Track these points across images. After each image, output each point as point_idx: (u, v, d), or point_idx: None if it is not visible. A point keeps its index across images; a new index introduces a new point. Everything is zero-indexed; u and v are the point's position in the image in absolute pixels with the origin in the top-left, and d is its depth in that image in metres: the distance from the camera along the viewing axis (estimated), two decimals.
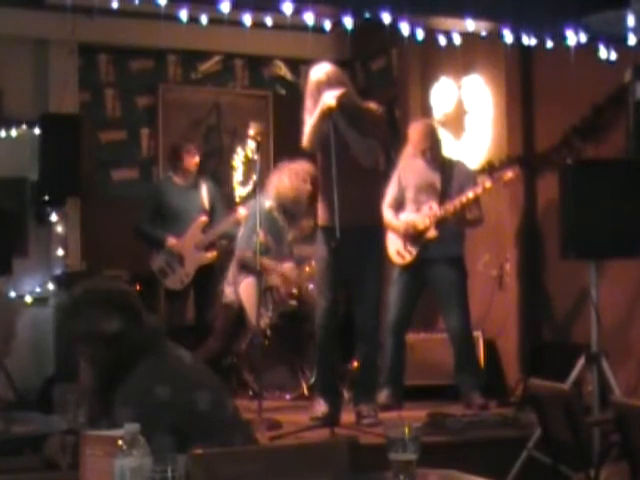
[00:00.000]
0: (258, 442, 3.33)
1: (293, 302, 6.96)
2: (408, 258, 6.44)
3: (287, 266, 6.93)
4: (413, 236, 6.40)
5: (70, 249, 7.94)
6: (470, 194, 6.25)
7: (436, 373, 6.75)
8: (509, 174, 6.35)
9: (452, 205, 6.29)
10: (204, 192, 7.36)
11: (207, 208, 7.32)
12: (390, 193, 6.55)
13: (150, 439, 2.45)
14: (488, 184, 6.29)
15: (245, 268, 6.82)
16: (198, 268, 7.21)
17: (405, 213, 6.49)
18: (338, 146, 5.46)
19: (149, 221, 7.27)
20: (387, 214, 6.45)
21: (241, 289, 6.87)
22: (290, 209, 6.87)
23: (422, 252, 6.38)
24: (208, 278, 7.23)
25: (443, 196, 6.37)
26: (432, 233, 6.35)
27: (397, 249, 6.46)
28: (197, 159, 7.40)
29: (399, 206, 6.53)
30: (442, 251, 6.36)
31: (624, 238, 5.25)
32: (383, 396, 6.32)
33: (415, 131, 6.56)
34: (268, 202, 6.76)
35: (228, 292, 6.96)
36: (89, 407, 3.19)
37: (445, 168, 6.48)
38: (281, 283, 6.90)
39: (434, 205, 6.36)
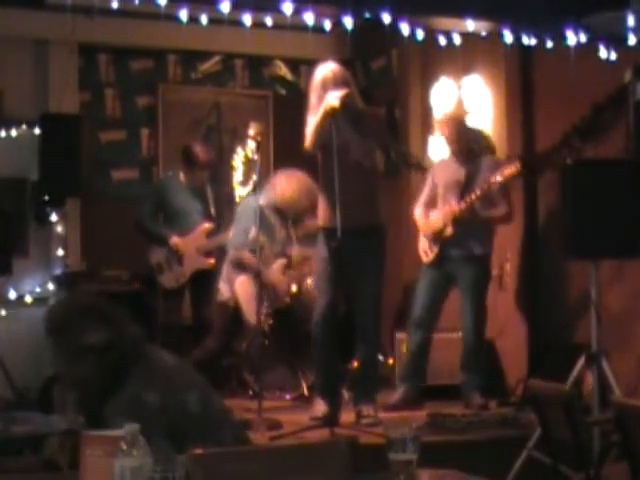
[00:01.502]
0: (248, 437, 3.32)
1: (287, 299, 6.95)
2: (431, 256, 6.48)
3: (276, 266, 6.92)
4: (433, 235, 6.44)
5: (70, 249, 7.94)
6: (478, 191, 6.26)
7: (436, 373, 6.75)
8: (511, 169, 6.32)
9: (464, 202, 6.30)
10: (209, 195, 7.32)
11: (212, 212, 7.29)
12: (424, 192, 6.62)
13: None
14: (493, 180, 6.29)
15: (239, 266, 6.83)
16: (195, 271, 7.18)
17: (434, 212, 6.51)
18: (339, 146, 5.47)
19: (150, 217, 7.24)
20: (417, 213, 6.54)
21: (236, 287, 6.87)
22: (288, 214, 6.86)
23: (444, 250, 6.40)
24: (205, 280, 7.19)
25: (464, 192, 6.36)
26: (448, 231, 6.36)
27: (423, 248, 6.53)
28: (212, 155, 7.36)
29: (433, 204, 6.55)
30: (463, 249, 6.37)
31: (624, 238, 5.25)
32: (395, 396, 6.32)
33: (440, 125, 6.58)
34: (260, 200, 6.75)
35: (223, 290, 6.96)
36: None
37: (472, 162, 6.47)
38: (275, 281, 6.90)
39: (453, 202, 6.37)
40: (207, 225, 7.20)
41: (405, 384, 6.43)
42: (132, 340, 3.05)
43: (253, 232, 6.60)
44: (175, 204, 7.22)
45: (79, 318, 3.02)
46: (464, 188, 6.37)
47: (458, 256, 6.39)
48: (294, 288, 6.98)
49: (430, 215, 6.52)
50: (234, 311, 6.89)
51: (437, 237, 6.43)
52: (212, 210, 7.30)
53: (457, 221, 6.33)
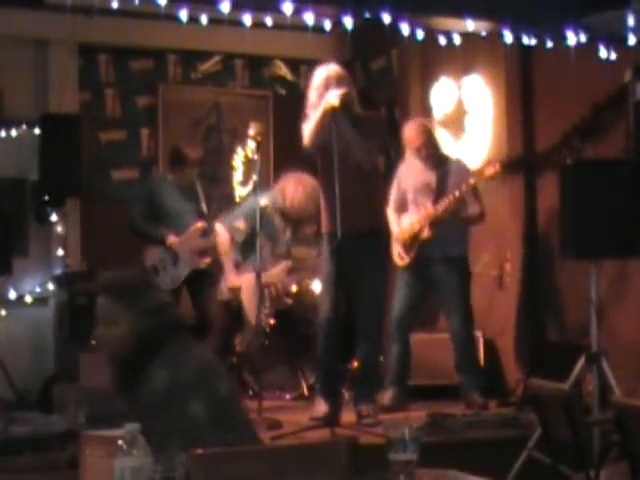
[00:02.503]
0: (262, 441, 3.33)
1: (289, 300, 6.95)
2: (406, 260, 6.47)
3: (279, 267, 6.93)
4: (410, 240, 6.43)
5: (70, 249, 7.94)
6: (457, 192, 6.27)
7: (436, 373, 6.75)
8: (490, 169, 6.32)
9: (443, 204, 6.31)
10: (200, 193, 7.25)
11: (204, 210, 7.23)
12: (392, 196, 6.58)
13: (180, 406, 2.79)
14: (471, 181, 6.31)
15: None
16: (191, 271, 7.13)
17: (406, 216, 6.50)
18: (339, 147, 5.46)
19: (142, 218, 7.16)
20: (391, 217, 6.50)
21: (242, 286, 6.86)
22: (293, 218, 6.87)
23: (421, 252, 6.40)
24: (202, 280, 7.14)
25: (438, 195, 6.38)
26: (425, 234, 6.37)
27: (398, 251, 6.50)
28: (200, 152, 7.33)
29: (402, 208, 6.54)
30: (443, 251, 6.38)
31: (624, 238, 5.25)
32: (387, 397, 6.32)
33: (408, 130, 6.58)
34: (264, 200, 6.74)
35: (225, 289, 6.94)
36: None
37: (441, 166, 6.48)
38: (277, 282, 6.90)
39: (428, 205, 6.38)
40: (200, 224, 7.12)
41: (395, 388, 6.42)
42: (176, 315, 3.25)
43: (240, 224, 6.60)
44: (167, 205, 7.13)
45: (140, 282, 3.23)
46: (437, 191, 6.37)
47: (436, 259, 6.38)
48: (294, 289, 6.99)
49: (402, 219, 6.51)
50: (236, 310, 6.88)
51: (413, 241, 6.42)
52: (204, 208, 7.24)
53: (434, 223, 6.33)
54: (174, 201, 7.13)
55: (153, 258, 7.10)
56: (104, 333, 3.14)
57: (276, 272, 6.93)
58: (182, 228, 7.09)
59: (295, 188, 6.75)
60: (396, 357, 6.48)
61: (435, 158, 6.51)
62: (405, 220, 6.50)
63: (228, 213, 7.00)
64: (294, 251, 7.04)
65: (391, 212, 6.53)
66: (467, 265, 6.51)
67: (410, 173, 6.56)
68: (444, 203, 6.31)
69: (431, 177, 6.46)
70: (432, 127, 6.79)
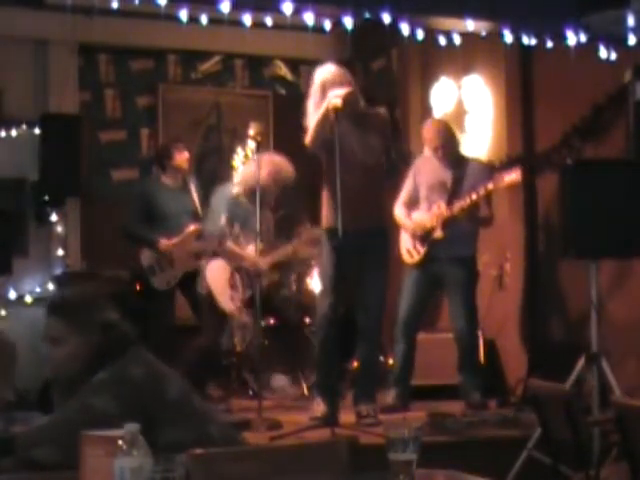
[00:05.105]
0: (239, 438, 3.32)
1: (263, 281, 6.73)
2: (416, 257, 6.42)
3: (251, 249, 6.77)
4: (421, 236, 6.40)
5: (70, 249, 7.94)
6: (473, 195, 6.21)
7: (436, 373, 6.75)
8: (511, 176, 6.20)
9: (458, 205, 6.26)
10: (194, 193, 7.19)
11: (198, 210, 7.14)
12: (404, 191, 6.53)
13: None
14: (490, 186, 6.19)
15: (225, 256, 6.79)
16: (185, 273, 7.06)
17: (417, 212, 6.46)
18: (343, 147, 5.46)
19: (137, 221, 7.07)
20: (399, 212, 6.47)
21: (207, 276, 6.77)
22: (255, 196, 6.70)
23: (431, 251, 6.35)
24: (195, 281, 7.10)
25: (452, 195, 6.31)
26: (438, 233, 6.31)
27: (407, 248, 6.46)
28: (187, 155, 7.21)
29: (413, 204, 6.50)
30: (451, 251, 6.32)
31: (624, 238, 5.26)
32: (389, 397, 6.31)
33: (427, 129, 6.54)
34: (235, 188, 6.68)
35: (204, 284, 6.85)
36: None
37: (458, 166, 6.44)
38: (249, 265, 6.73)
39: (442, 205, 6.33)
40: (194, 227, 7.03)
41: (398, 388, 6.41)
42: (125, 332, 3.16)
43: (222, 219, 6.56)
44: (161, 206, 7.03)
45: (88, 301, 3.16)
46: (452, 192, 6.33)
47: (446, 258, 6.34)
48: (294, 287, 6.98)
49: (413, 215, 6.47)
50: (214, 302, 6.75)
51: (425, 238, 6.39)
52: (199, 209, 7.17)
53: (447, 224, 6.29)
54: (169, 202, 7.05)
55: (150, 258, 7.05)
56: (52, 352, 3.12)
57: (246, 254, 6.77)
58: (177, 229, 7.01)
59: (258, 167, 6.43)
60: (401, 357, 6.45)
61: (453, 157, 6.42)
62: (416, 216, 6.44)
63: (207, 219, 6.89)
64: (298, 251, 6.98)
65: (400, 206, 6.49)
66: (474, 266, 6.46)
67: (426, 169, 6.50)
68: (459, 204, 6.23)
69: (447, 176, 6.37)
70: (450, 125, 6.72)
